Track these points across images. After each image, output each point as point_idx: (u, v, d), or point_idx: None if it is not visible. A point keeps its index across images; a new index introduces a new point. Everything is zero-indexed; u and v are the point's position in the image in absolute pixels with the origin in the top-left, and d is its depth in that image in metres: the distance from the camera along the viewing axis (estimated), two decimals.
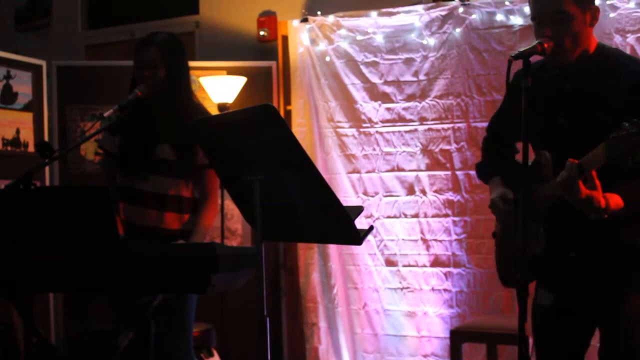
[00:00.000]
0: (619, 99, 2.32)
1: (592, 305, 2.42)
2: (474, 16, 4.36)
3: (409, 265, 4.54)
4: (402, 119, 4.58)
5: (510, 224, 2.50)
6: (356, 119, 4.68)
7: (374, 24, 4.61)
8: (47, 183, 4.76)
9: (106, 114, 2.90)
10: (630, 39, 4.00)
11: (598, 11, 2.39)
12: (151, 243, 2.99)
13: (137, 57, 3.08)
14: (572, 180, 2.18)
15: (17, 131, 4.65)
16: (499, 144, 2.76)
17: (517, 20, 4.24)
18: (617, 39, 4.01)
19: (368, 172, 4.66)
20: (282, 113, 4.76)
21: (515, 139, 2.75)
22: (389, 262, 4.59)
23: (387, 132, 4.60)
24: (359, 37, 4.65)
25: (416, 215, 4.54)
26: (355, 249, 4.62)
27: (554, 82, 2.43)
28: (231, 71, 4.83)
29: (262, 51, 5.17)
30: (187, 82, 3.17)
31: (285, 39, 4.90)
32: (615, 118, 2.26)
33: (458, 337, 3.88)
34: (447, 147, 4.44)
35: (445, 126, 4.45)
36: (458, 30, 4.40)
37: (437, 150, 4.48)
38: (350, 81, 4.68)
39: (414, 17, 4.51)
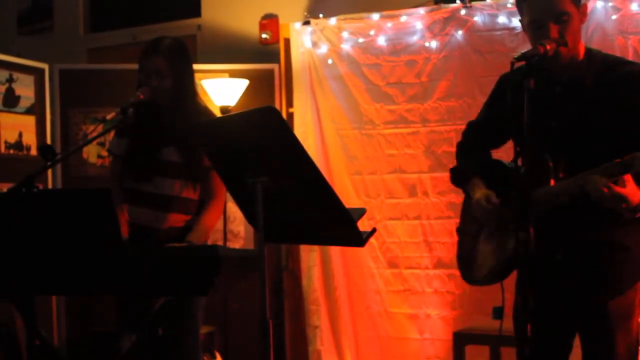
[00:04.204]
0: (609, 102, 2.34)
1: (574, 307, 2.44)
2: (476, 18, 4.36)
3: (412, 268, 4.54)
4: (404, 121, 4.57)
5: (492, 224, 2.50)
6: (358, 120, 4.67)
7: (376, 26, 4.61)
8: (50, 186, 4.76)
9: (108, 117, 2.90)
10: (633, 40, 4.00)
11: (586, 7, 2.43)
12: (154, 246, 3.00)
13: (142, 65, 3.08)
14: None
15: (20, 134, 4.66)
16: (476, 149, 2.74)
17: (519, 22, 4.23)
18: (619, 41, 4.01)
19: (370, 173, 4.66)
20: (284, 115, 4.76)
21: (492, 145, 2.76)
22: (391, 265, 4.58)
23: (390, 134, 4.60)
24: (361, 40, 4.65)
25: (418, 217, 4.53)
26: (357, 251, 4.62)
27: (544, 86, 2.42)
28: (233, 74, 4.83)
29: (264, 54, 5.17)
30: (193, 86, 3.18)
31: (287, 41, 4.90)
32: (607, 121, 2.31)
33: (461, 340, 3.88)
34: (450, 149, 4.42)
35: (448, 128, 4.44)
36: (460, 32, 4.40)
37: (439, 152, 4.47)
38: (353, 83, 4.68)
39: (416, 19, 4.51)
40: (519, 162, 2.57)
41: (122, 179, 3.18)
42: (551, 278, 2.41)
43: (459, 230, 2.81)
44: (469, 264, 2.72)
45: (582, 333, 2.48)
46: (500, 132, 2.69)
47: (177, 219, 3.10)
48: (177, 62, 3.08)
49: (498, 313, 2.69)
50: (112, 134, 3.34)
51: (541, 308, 2.38)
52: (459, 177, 2.76)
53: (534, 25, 2.37)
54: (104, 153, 4.86)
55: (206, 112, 3.17)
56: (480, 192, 2.55)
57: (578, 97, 2.39)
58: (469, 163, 2.72)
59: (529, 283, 2.32)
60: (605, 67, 2.40)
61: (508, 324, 2.70)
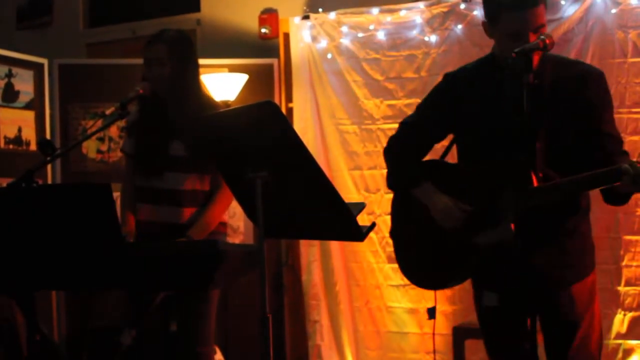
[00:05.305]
0: (567, 101, 2.39)
1: (535, 299, 2.41)
2: (475, 12, 4.35)
3: None
4: (404, 116, 4.51)
5: (459, 229, 2.48)
6: (358, 115, 4.67)
7: (376, 21, 4.60)
8: (49, 181, 4.76)
9: (108, 112, 2.90)
10: (632, 35, 3.99)
11: None
12: (155, 241, 3.00)
13: (145, 54, 3.09)
14: None
15: (19, 129, 4.65)
16: (416, 150, 2.69)
17: None
18: (619, 35, 4.00)
19: (370, 168, 4.66)
20: (283, 110, 4.76)
21: (431, 145, 2.73)
22: (391, 259, 4.58)
23: (389, 129, 4.59)
24: (361, 34, 4.64)
25: None
26: (357, 246, 4.62)
27: (500, 85, 2.43)
28: (233, 68, 4.83)
29: (264, 48, 5.17)
30: (196, 78, 3.17)
31: (286, 36, 4.89)
32: (565, 119, 2.38)
33: (461, 334, 3.89)
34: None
35: None
36: (459, 26, 4.40)
37: (438, 146, 4.44)
38: (352, 78, 4.68)
39: (415, 13, 4.51)
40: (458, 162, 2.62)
41: (135, 178, 3.18)
42: (513, 269, 2.38)
43: (394, 234, 2.76)
44: (418, 268, 2.73)
45: (548, 324, 2.49)
46: (441, 132, 2.70)
47: (192, 213, 3.10)
48: (178, 50, 3.07)
49: (431, 313, 2.71)
50: (112, 130, 3.33)
51: (504, 305, 2.42)
52: (403, 181, 2.65)
53: (513, 36, 2.35)
54: (103, 148, 4.85)
55: (210, 104, 3.14)
56: (444, 199, 2.51)
57: (537, 97, 2.36)
58: (413, 166, 2.65)
59: (508, 279, 2.33)
60: (559, 67, 2.45)
61: None
